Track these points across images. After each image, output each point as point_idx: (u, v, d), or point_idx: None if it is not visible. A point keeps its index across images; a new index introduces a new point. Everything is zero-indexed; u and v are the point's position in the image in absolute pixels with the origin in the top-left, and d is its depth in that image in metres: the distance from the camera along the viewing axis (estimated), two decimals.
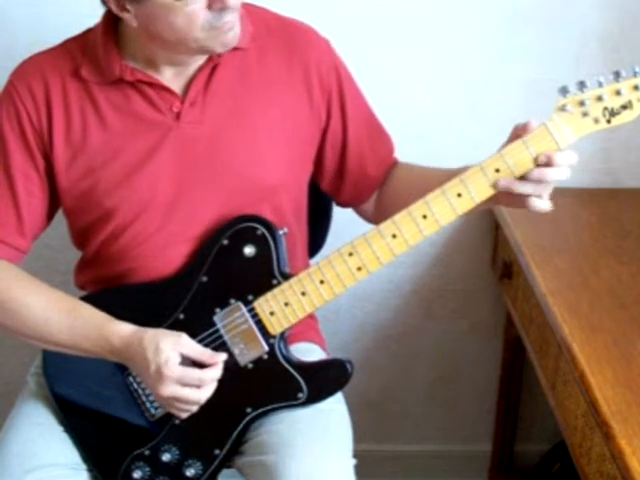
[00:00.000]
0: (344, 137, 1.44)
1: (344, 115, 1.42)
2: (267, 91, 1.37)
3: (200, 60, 1.33)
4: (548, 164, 1.21)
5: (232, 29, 1.26)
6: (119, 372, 1.37)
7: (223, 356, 1.31)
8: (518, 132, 1.23)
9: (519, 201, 1.25)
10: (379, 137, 1.49)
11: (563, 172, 1.22)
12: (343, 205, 1.55)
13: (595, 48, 1.84)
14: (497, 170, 1.22)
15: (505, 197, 1.26)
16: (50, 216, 1.43)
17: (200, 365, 1.29)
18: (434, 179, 1.32)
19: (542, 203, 1.24)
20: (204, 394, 1.29)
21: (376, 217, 1.50)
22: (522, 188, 1.23)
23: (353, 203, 1.52)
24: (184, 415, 1.33)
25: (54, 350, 1.36)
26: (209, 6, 1.21)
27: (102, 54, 1.32)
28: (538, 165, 1.22)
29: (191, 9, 1.20)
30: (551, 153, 1.21)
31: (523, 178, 1.23)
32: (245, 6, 1.39)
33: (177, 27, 1.23)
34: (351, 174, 1.46)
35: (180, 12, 1.21)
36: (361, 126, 1.45)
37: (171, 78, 1.34)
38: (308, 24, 1.43)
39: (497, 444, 2.16)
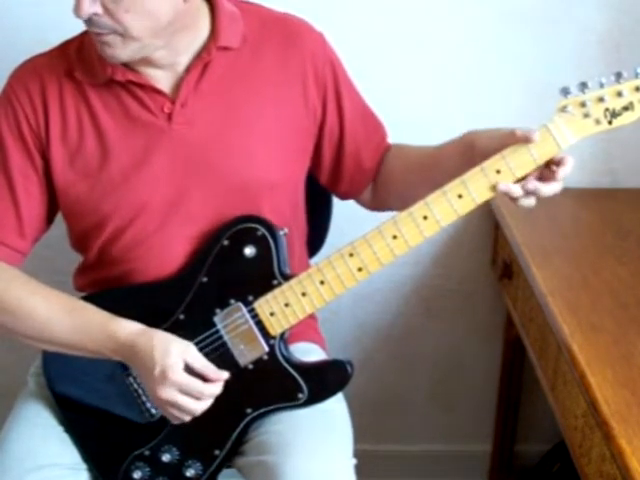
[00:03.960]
0: (341, 131, 1.44)
1: (340, 109, 1.43)
2: (260, 89, 1.37)
3: (188, 60, 1.33)
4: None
5: (105, 45, 1.26)
6: (119, 372, 1.37)
7: (225, 374, 1.31)
8: (518, 137, 1.22)
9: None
10: (374, 128, 1.49)
11: (558, 186, 1.23)
12: (343, 198, 1.55)
13: (595, 48, 1.84)
14: (498, 171, 1.22)
15: None
16: (50, 218, 1.43)
17: (201, 378, 1.29)
18: (423, 157, 1.38)
19: (530, 202, 1.24)
20: (200, 407, 1.29)
21: (373, 204, 1.52)
22: (518, 193, 1.22)
23: (351, 195, 1.53)
24: (176, 422, 1.32)
25: (56, 351, 1.36)
26: None
27: (95, 55, 1.32)
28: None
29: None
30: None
31: (524, 179, 1.23)
32: (240, 5, 1.39)
33: None
34: (348, 167, 1.47)
35: None
36: (357, 120, 1.45)
37: (161, 79, 1.33)
38: (302, 18, 1.43)
39: (497, 444, 2.16)
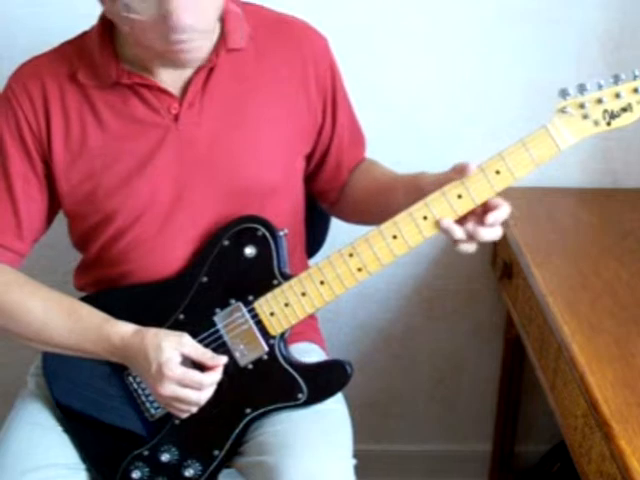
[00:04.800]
0: (331, 139, 1.45)
1: (334, 117, 1.44)
2: (266, 90, 1.37)
3: (196, 62, 1.33)
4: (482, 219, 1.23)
5: (188, 51, 1.24)
6: (119, 372, 1.37)
7: (224, 359, 1.31)
8: (456, 171, 1.23)
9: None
10: (357, 140, 1.51)
11: (496, 232, 1.24)
12: (315, 197, 1.56)
13: (595, 48, 1.84)
14: (497, 172, 1.22)
15: None
16: (50, 220, 1.43)
17: (200, 366, 1.30)
18: (381, 184, 1.40)
19: (469, 247, 1.26)
20: (203, 396, 1.29)
21: (332, 211, 1.56)
22: (459, 235, 1.24)
23: (322, 198, 1.54)
24: (183, 415, 1.33)
25: (55, 352, 1.36)
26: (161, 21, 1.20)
27: (98, 58, 1.32)
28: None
29: (139, 22, 1.19)
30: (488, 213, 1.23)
31: (464, 219, 1.24)
32: (243, 6, 1.39)
33: (136, 36, 1.23)
34: (327, 173, 1.48)
35: (131, 23, 1.21)
36: (345, 129, 1.46)
37: (168, 80, 1.33)
38: (306, 21, 1.43)
39: (497, 444, 2.16)
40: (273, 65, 1.37)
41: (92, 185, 1.35)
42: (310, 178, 1.50)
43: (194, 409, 1.31)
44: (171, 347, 1.27)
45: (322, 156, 1.47)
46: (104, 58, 1.31)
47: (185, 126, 1.33)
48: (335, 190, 1.51)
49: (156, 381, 1.27)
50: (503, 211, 1.24)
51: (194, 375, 1.28)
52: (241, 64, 1.35)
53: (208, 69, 1.33)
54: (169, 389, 1.27)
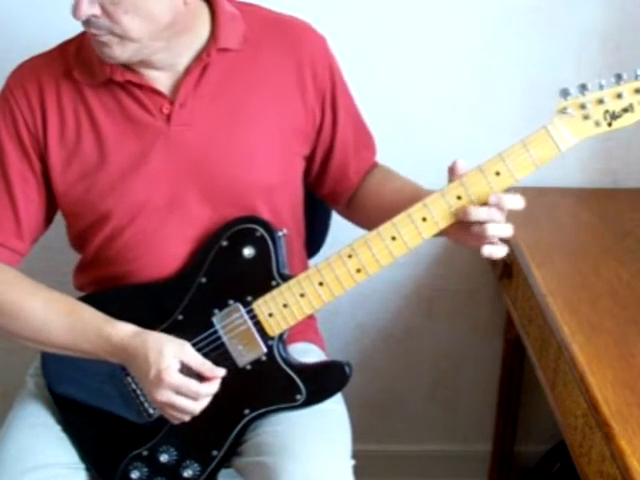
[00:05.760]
0: (332, 139, 1.44)
1: (335, 116, 1.43)
2: (260, 90, 1.36)
3: (187, 61, 1.33)
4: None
5: (103, 45, 1.26)
6: (118, 372, 1.37)
7: (222, 371, 1.31)
8: (449, 172, 1.23)
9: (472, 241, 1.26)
10: (364, 143, 1.50)
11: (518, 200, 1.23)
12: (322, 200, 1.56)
13: (596, 49, 1.84)
14: (497, 173, 1.21)
15: (460, 234, 1.26)
16: (49, 219, 1.43)
17: (199, 375, 1.29)
18: (398, 195, 1.37)
19: (496, 249, 1.24)
20: (198, 406, 1.29)
21: (344, 213, 1.54)
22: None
23: (329, 201, 1.54)
24: (176, 422, 1.33)
25: (53, 352, 1.36)
26: None
27: (95, 55, 1.32)
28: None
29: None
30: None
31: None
32: (241, 7, 1.39)
33: None
34: (332, 175, 1.47)
35: None
36: (348, 129, 1.45)
37: (160, 80, 1.33)
38: (305, 21, 1.42)
39: (497, 444, 2.16)
40: (269, 65, 1.37)
41: (87, 185, 1.35)
42: (317, 181, 1.49)
43: (187, 418, 1.31)
44: (172, 354, 1.27)
45: (325, 155, 1.46)
46: (100, 56, 1.31)
47: (177, 126, 1.33)
48: (344, 194, 1.49)
49: (153, 385, 1.27)
50: (512, 200, 1.23)
51: (191, 384, 1.27)
52: (235, 64, 1.35)
53: (200, 69, 1.33)
54: (165, 395, 1.27)
